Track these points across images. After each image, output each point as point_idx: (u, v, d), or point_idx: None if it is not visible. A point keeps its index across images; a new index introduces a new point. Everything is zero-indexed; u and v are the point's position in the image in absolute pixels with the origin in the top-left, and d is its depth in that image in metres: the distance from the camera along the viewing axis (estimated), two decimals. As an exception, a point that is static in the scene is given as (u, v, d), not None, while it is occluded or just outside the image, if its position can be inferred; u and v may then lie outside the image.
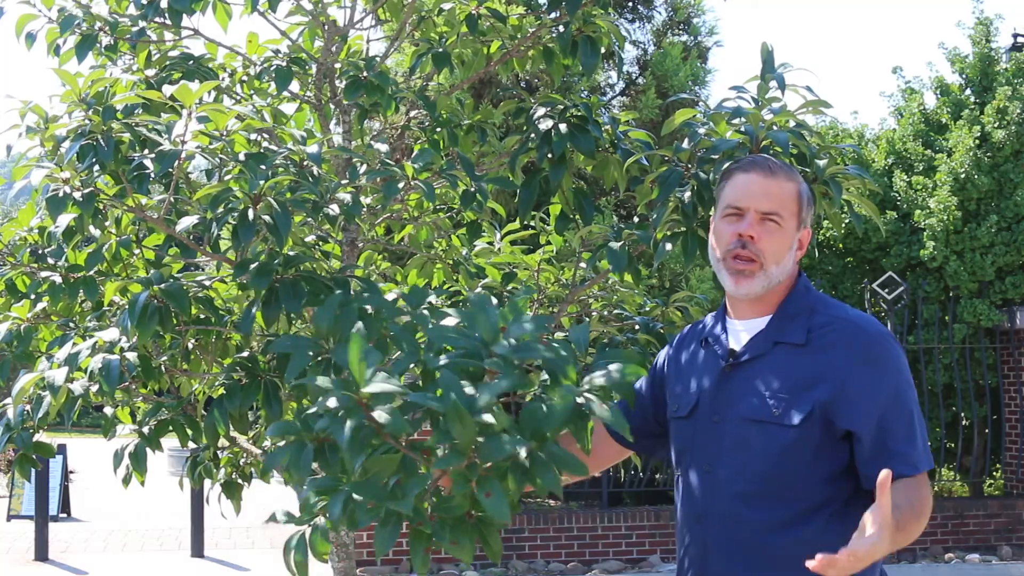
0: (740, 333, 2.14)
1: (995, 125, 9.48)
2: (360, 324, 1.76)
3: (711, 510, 2.09)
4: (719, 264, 2.12)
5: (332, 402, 1.64)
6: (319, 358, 2.15)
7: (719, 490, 2.07)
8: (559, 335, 3.48)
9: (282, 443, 1.82)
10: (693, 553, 2.13)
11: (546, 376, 1.72)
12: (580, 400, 1.69)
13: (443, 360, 1.69)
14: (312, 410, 1.71)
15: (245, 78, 3.48)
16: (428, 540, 1.70)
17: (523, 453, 1.61)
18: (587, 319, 3.66)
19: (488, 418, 1.60)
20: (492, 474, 1.62)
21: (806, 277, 2.16)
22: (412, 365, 1.81)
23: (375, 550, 1.68)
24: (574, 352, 1.77)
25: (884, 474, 1.79)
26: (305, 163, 2.76)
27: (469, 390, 1.62)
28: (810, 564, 1.78)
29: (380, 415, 1.62)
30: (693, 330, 2.30)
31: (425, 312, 2.13)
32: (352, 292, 2.61)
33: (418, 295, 2.15)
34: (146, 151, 2.74)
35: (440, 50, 3.38)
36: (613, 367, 1.76)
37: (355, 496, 1.65)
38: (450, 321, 1.89)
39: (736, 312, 2.16)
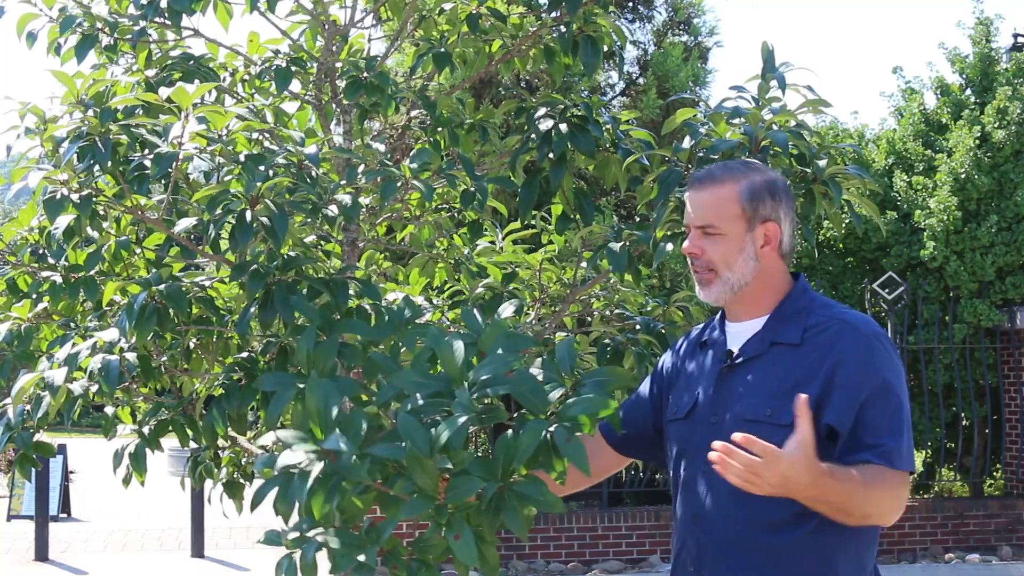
0: (738, 335, 2.15)
1: (995, 125, 9.48)
2: (314, 373, 1.79)
3: (707, 510, 2.09)
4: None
5: (296, 456, 1.66)
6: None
7: (716, 490, 2.07)
8: (560, 335, 3.48)
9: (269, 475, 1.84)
10: (689, 553, 2.13)
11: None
12: (549, 431, 1.70)
13: (405, 406, 1.71)
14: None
15: (246, 77, 3.48)
16: None
17: (488, 493, 1.62)
18: (570, 334, 3.66)
19: (445, 461, 1.62)
20: (461, 515, 1.64)
21: (805, 279, 2.18)
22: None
23: None
24: (558, 371, 1.78)
25: (801, 398, 1.85)
26: (304, 164, 2.76)
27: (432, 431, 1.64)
28: (736, 436, 1.83)
29: (343, 463, 1.64)
30: (694, 335, 2.31)
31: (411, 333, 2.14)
32: (347, 298, 2.61)
33: (402, 314, 2.16)
34: (145, 151, 2.74)
35: (441, 50, 3.38)
36: (590, 396, 1.76)
37: (331, 544, 1.69)
38: (420, 356, 1.90)
39: (733, 315, 2.18)
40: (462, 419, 1.63)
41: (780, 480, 1.82)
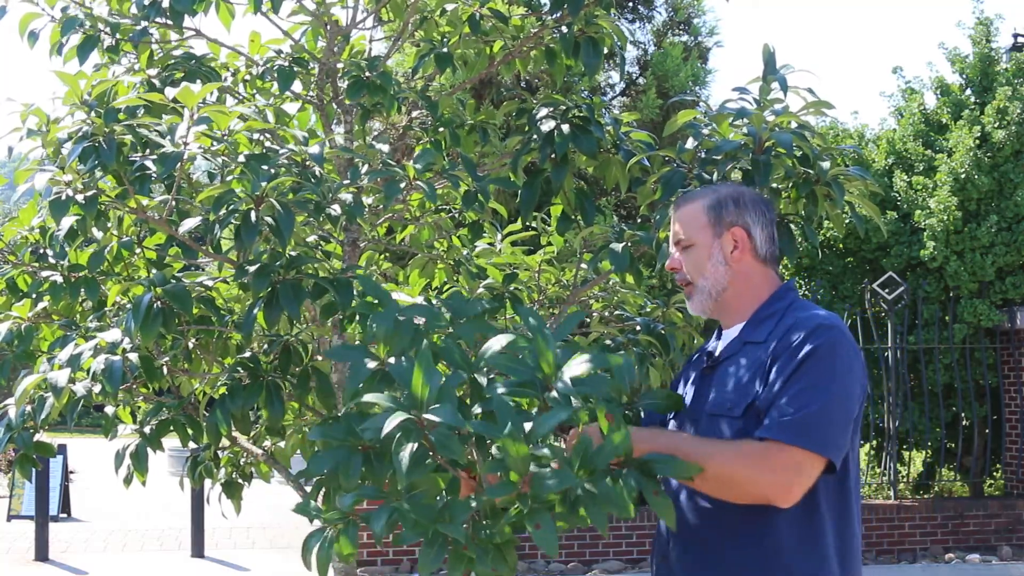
0: (724, 341, 2.26)
1: (995, 125, 9.48)
2: (425, 344, 1.76)
3: (677, 501, 2.18)
4: None
5: (394, 421, 1.61)
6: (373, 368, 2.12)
7: (689, 489, 2.15)
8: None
9: (321, 447, 1.81)
10: (659, 544, 2.24)
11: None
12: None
13: (500, 388, 1.68)
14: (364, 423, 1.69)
15: (248, 78, 3.48)
16: (469, 563, 1.69)
17: (578, 491, 1.61)
18: (588, 320, 3.66)
19: (543, 450, 1.60)
20: (542, 506, 1.62)
21: (788, 285, 2.23)
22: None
23: (419, 569, 1.68)
24: (619, 386, 1.79)
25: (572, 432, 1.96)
26: (307, 163, 2.76)
27: (523, 421, 1.62)
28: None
29: (438, 438, 1.62)
30: (700, 350, 2.40)
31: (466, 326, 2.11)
32: (351, 298, 2.60)
33: (462, 305, 2.14)
34: (148, 152, 2.74)
35: (443, 51, 3.38)
36: (666, 458, 1.79)
37: (408, 514, 1.65)
38: (499, 342, 1.87)
39: (724, 324, 2.29)
40: (563, 414, 1.62)
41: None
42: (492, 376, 1.78)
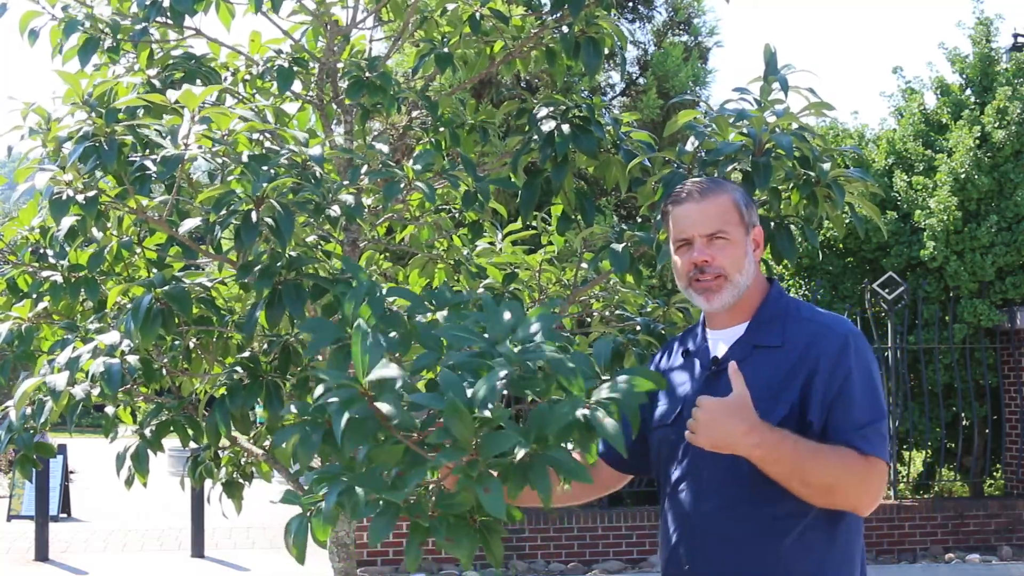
0: (719, 342, 2.23)
1: (995, 125, 9.48)
2: (362, 321, 1.76)
3: (697, 512, 2.14)
4: (687, 290, 2.24)
5: (335, 392, 1.65)
6: (339, 344, 2.14)
7: (705, 492, 2.13)
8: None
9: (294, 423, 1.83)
10: (680, 555, 2.17)
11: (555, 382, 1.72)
12: (585, 411, 1.70)
13: (448, 360, 1.70)
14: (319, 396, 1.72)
15: (247, 77, 3.48)
16: (425, 534, 1.72)
17: (521, 452, 1.62)
18: (589, 320, 3.66)
19: (485, 413, 1.61)
20: (494, 470, 1.64)
21: (779, 284, 2.26)
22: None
23: (368, 539, 1.70)
24: (592, 365, 1.78)
25: (731, 365, 2.03)
26: (307, 164, 2.76)
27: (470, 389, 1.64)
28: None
29: (384, 407, 1.63)
30: (675, 345, 2.39)
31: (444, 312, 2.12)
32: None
33: (443, 298, 2.15)
34: (148, 152, 2.74)
35: (444, 51, 3.38)
36: (622, 379, 1.76)
37: (356, 488, 1.66)
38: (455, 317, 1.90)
39: (714, 323, 2.25)
40: (502, 372, 1.64)
41: (711, 422, 1.99)
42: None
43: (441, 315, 2.09)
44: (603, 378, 1.80)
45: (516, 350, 1.70)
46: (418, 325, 1.96)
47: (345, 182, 2.86)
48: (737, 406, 1.99)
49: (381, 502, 1.66)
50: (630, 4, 11.13)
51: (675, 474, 2.21)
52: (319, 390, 1.70)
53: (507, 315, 1.76)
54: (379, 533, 1.67)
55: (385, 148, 3.21)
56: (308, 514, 1.81)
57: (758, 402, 2.05)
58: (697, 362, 2.25)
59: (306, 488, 1.81)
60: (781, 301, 2.21)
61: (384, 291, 2.00)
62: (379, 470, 1.70)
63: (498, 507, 1.60)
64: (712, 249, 2.17)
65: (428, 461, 1.68)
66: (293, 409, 1.78)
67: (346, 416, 1.62)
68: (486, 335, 1.74)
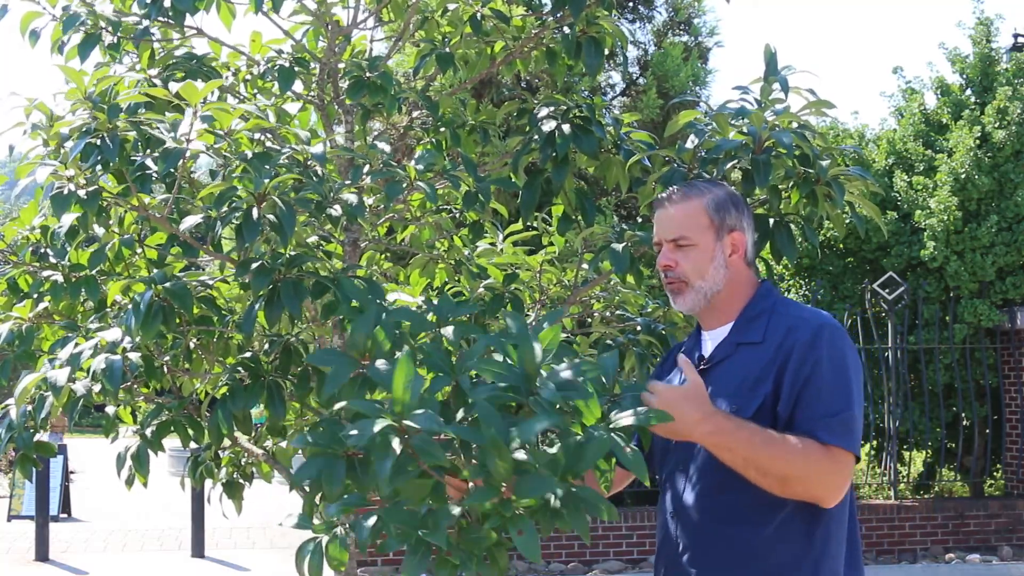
0: (707, 342, 2.27)
1: (995, 125, 9.48)
2: (407, 349, 1.75)
3: (684, 505, 2.19)
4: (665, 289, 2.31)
5: (375, 428, 1.61)
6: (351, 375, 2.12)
7: (691, 485, 2.18)
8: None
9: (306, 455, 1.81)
10: (671, 547, 2.23)
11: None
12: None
13: (483, 392, 1.69)
14: (348, 429, 1.68)
15: (249, 77, 3.48)
16: (453, 570, 1.70)
17: (558, 494, 1.61)
18: (589, 320, 3.66)
19: (524, 455, 1.60)
20: (525, 512, 1.62)
21: (768, 284, 2.28)
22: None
23: (403, 574, 1.69)
24: (602, 380, 1.79)
25: (680, 357, 2.08)
26: (309, 163, 2.76)
27: (507, 426, 1.62)
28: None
29: (419, 444, 1.62)
30: (675, 349, 2.44)
31: (452, 328, 2.11)
32: (383, 305, 2.59)
33: (447, 308, 2.14)
34: (149, 150, 2.74)
35: (444, 51, 3.38)
36: (641, 410, 1.77)
37: (389, 521, 1.65)
38: (482, 345, 1.88)
39: (707, 324, 2.29)
40: (548, 420, 1.62)
41: (664, 408, 1.93)
42: (476, 380, 1.78)
43: (448, 331, 2.09)
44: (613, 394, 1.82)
45: (546, 387, 1.69)
46: (428, 347, 1.93)
47: (347, 182, 2.86)
48: (691, 394, 2.00)
49: (414, 539, 1.65)
50: (630, 4, 11.13)
51: (667, 471, 2.27)
52: (362, 424, 1.65)
53: (538, 349, 1.74)
54: (414, 570, 1.66)
55: (386, 148, 3.21)
56: (324, 538, 1.80)
57: (737, 397, 2.09)
58: (694, 361, 2.28)
59: (308, 492, 1.80)
60: (768, 299, 2.23)
61: (388, 300, 1.98)
62: (407, 504, 1.70)
63: (534, 550, 1.59)
64: (676, 254, 2.23)
65: (454, 499, 1.67)
66: (310, 440, 1.76)
67: (391, 455, 1.60)
68: (516, 369, 1.72)
